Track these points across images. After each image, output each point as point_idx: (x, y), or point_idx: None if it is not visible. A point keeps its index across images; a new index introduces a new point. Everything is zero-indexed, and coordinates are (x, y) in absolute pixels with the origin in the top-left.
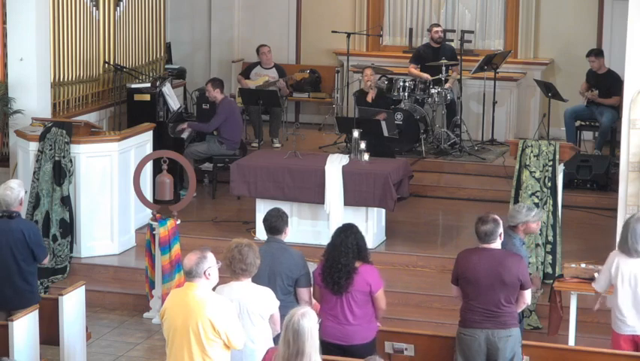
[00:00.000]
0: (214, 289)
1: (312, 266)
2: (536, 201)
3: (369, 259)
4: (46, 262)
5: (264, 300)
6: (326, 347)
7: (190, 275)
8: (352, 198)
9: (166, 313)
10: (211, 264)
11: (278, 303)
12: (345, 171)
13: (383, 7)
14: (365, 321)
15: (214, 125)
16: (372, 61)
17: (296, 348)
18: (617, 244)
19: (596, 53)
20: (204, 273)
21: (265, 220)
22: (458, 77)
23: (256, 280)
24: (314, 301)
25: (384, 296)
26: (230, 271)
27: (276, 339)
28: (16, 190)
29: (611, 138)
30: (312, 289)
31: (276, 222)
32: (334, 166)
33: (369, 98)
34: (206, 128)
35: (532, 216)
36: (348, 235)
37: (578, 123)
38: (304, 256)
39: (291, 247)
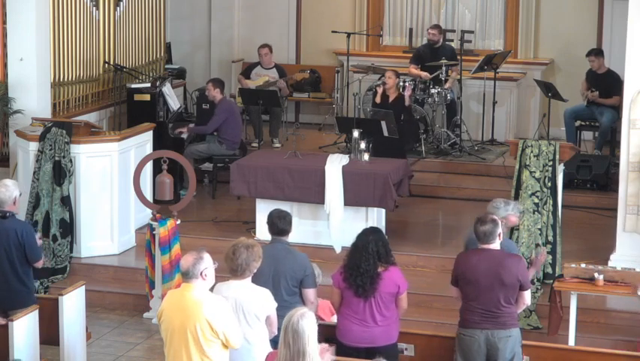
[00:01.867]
0: (213, 286)
1: (315, 267)
2: (536, 201)
3: (392, 262)
4: (40, 265)
5: (260, 301)
6: (348, 351)
7: (187, 276)
8: (352, 198)
9: (163, 315)
10: (207, 265)
11: (275, 305)
12: (345, 171)
13: (383, 7)
14: (392, 321)
15: (213, 127)
16: (372, 61)
17: (296, 349)
18: None
19: (596, 52)
20: (201, 274)
21: (271, 223)
22: (458, 77)
23: (260, 280)
24: (320, 301)
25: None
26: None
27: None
28: (11, 188)
29: (611, 138)
30: (317, 289)
31: (282, 225)
32: (334, 166)
33: (377, 99)
34: (205, 129)
35: (512, 210)
36: (369, 241)
37: (578, 123)
38: (308, 257)
39: (292, 247)
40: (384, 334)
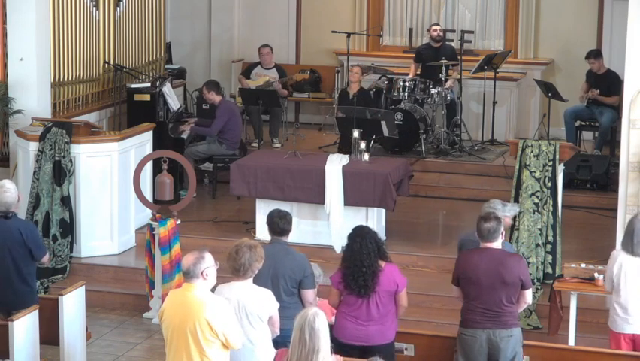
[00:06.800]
0: (215, 287)
1: (315, 267)
2: (536, 201)
3: (389, 258)
4: (46, 260)
5: (262, 302)
6: (344, 349)
7: (188, 276)
8: (352, 198)
9: (164, 314)
10: (209, 264)
11: (277, 305)
12: (345, 171)
13: (383, 7)
14: (388, 320)
15: (216, 129)
16: (372, 61)
17: (312, 346)
18: (620, 244)
19: (595, 54)
20: (202, 273)
21: (271, 223)
22: (458, 76)
23: (259, 281)
24: (319, 300)
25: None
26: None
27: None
28: (13, 190)
29: (611, 138)
30: (316, 290)
31: (283, 225)
32: (334, 166)
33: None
34: (209, 132)
35: (508, 211)
36: (364, 237)
37: (578, 123)
38: (307, 257)
39: (292, 247)
40: (380, 333)
